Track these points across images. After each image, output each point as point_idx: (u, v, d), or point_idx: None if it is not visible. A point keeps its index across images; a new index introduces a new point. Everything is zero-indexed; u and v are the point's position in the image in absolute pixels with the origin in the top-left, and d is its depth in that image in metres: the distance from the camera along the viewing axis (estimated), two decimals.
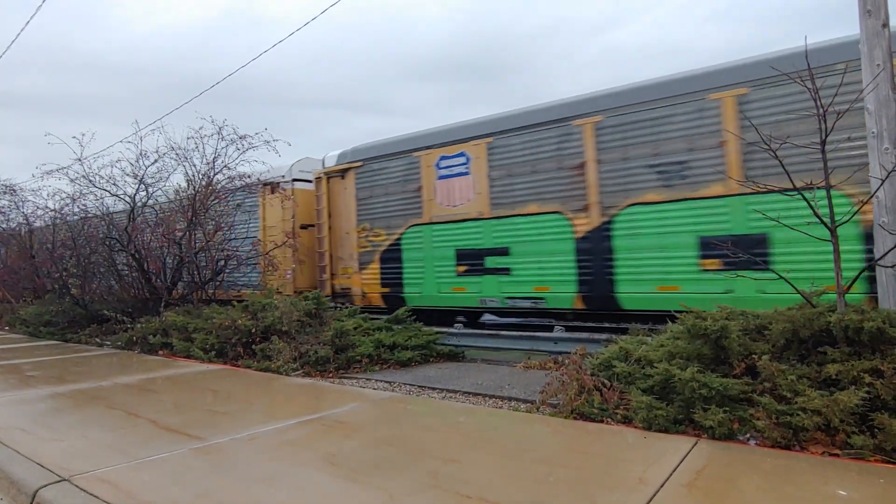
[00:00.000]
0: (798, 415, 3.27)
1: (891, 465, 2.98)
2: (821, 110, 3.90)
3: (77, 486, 2.97)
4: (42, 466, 3.29)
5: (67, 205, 11.50)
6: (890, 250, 3.90)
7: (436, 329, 7.96)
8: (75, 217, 11.59)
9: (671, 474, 2.91)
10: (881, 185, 4.00)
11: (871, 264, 3.97)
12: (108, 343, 9.46)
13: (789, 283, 4.22)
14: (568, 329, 7.87)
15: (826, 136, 3.96)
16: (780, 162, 4.17)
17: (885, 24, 4.14)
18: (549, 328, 8.16)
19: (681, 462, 3.09)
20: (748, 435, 3.45)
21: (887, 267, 3.96)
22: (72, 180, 10.71)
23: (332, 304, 9.30)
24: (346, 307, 8.57)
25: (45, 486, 2.99)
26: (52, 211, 12.23)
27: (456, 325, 8.89)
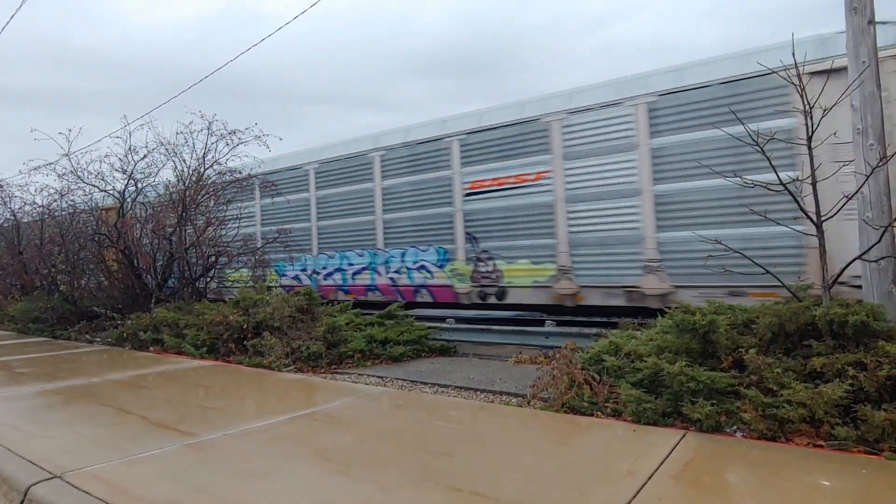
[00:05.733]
0: (784, 407, 3.33)
1: (873, 456, 3.04)
2: (807, 107, 3.96)
3: (69, 483, 2.97)
4: (33, 463, 3.28)
5: (55, 200, 11.41)
6: (874, 245, 3.96)
7: (427, 324, 7.99)
8: (63, 213, 11.49)
9: (659, 466, 2.96)
10: (865, 180, 4.05)
11: (855, 258, 4.03)
12: (98, 339, 9.40)
13: (776, 277, 4.28)
14: (559, 324, 7.93)
15: (812, 133, 4.02)
16: (767, 158, 4.22)
17: (871, 22, 4.19)
18: (541, 322, 8.22)
19: (669, 454, 3.13)
20: (735, 427, 3.51)
21: (871, 261, 4.03)
22: (59, 176, 10.62)
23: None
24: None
25: (37, 482, 2.99)
26: (39, 206, 12.14)
27: (448, 320, 8.93)
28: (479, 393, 5.33)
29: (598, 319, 8.41)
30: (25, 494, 2.93)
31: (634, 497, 2.60)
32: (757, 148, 4.15)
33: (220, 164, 10.10)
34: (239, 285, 9.70)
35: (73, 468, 3.18)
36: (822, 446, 3.21)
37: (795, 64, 3.98)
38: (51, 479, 3.04)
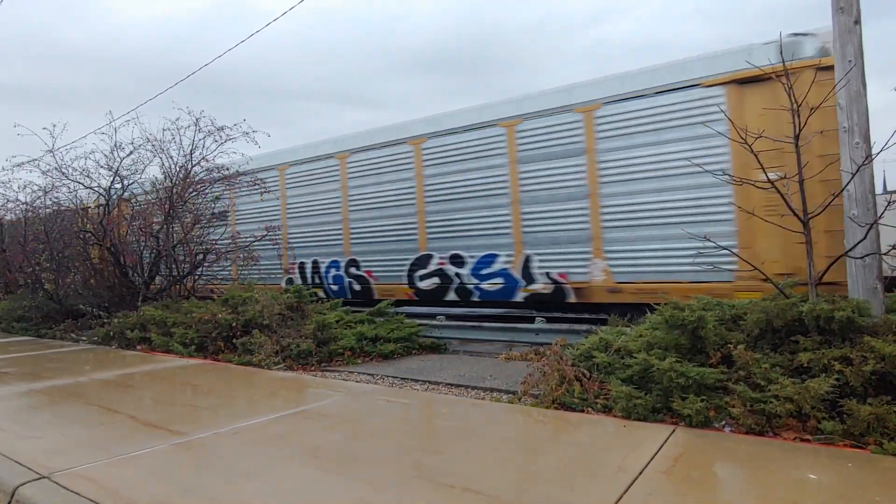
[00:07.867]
0: (771, 402, 3.37)
1: (859, 450, 3.09)
2: (794, 106, 4.00)
3: (57, 484, 2.93)
4: (20, 464, 3.24)
5: (39, 198, 11.25)
6: (859, 242, 4.01)
7: (418, 321, 7.98)
8: (48, 210, 11.33)
9: (649, 461, 2.98)
10: (851, 178, 4.10)
11: (841, 255, 4.08)
12: (85, 338, 9.29)
13: (764, 273, 4.33)
14: (549, 320, 7.95)
15: (799, 132, 4.06)
16: (756, 157, 4.26)
17: (857, 21, 4.23)
18: (531, 319, 8.24)
19: (659, 450, 3.16)
20: (724, 422, 3.54)
21: (857, 258, 4.08)
22: (43, 172, 10.46)
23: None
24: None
25: (24, 483, 2.95)
26: (23, 204, 11.94)
27: (438, 317, 8.92)
28: (469, 390, 5.34)
29: (587, 316, 8.47)
30: (13, 495, 2.89)
31: (625, 492, 2.62)
32: (747, 147, 4.18)
33: (207, 160, 10.01)
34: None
35: (61, 468, 3.14)
36: (808, 440, 3.25)
37: (783, 62, 4.02)
38: (38, 479, 3.00)
